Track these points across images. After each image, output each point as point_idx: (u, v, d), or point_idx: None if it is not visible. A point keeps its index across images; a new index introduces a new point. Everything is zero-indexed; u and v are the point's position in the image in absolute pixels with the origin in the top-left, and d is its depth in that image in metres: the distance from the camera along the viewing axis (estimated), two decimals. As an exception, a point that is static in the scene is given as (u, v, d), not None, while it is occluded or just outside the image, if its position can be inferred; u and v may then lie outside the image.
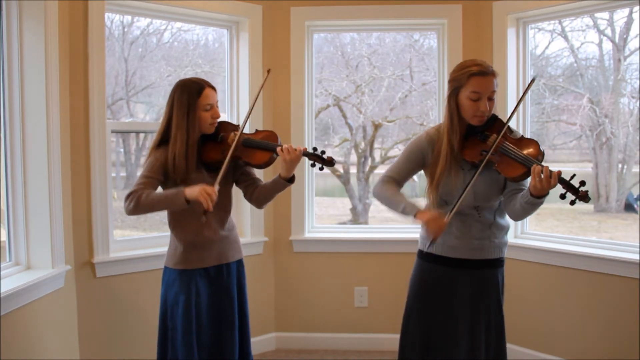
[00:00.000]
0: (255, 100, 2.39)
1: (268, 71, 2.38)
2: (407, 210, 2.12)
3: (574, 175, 1.89)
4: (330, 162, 2.24)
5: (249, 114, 2.39)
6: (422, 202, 2.25)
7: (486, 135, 2.11)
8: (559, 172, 1.88)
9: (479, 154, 2.09)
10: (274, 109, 3.65)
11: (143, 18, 3.51)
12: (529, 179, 2.03)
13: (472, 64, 2.09)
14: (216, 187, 2.13)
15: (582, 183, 1.85)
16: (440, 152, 2.15)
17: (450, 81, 2.15)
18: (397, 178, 2.25)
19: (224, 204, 2.35)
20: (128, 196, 2.18)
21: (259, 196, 2.38)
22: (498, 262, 2.25)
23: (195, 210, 2.17)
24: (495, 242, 2.21)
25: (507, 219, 2.27)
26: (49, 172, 2.65)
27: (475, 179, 2.05)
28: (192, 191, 2.10)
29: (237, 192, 2.46)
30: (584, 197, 1.84)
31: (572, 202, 1.88)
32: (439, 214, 2.05)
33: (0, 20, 2.57)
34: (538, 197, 1.94)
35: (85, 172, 2.93)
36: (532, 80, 2.24)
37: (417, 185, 4.28)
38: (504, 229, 2.25)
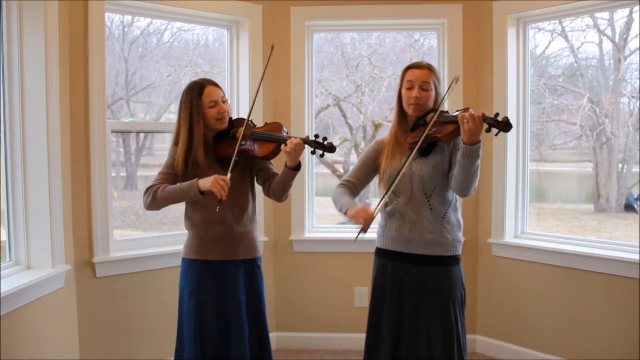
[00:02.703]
0: (260, 82, 2.42)
1: (272, 47, 2.40)
2: (342, 208, 2.29)
3: (498, 113, 2.07)
4: (330, 148, 2.28)
5: (254, 102, 2.43)
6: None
7: (425, 119, 2.27)
8: (482, 113, 2.05)
9: (419, 134, 2.24)
10: (274, 109, 3.65)
11: (143, 18, 3.50)
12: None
13: (410, 63, 2.36)
14: (228, 176, 2.20)
15: (505, 118, 2.02)
16: (385, 146, 2.35)
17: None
18: (353, 181, 2.42)
19: (239, 201, 2.39)
20: (146, 191, 2.28)
21: (274, 189, 2.42)
22: (453, 260, 2.30)
23: (209, 201, 2.25)
24: (449, 239, 2.28)
25: (460, 217, 2.35)
26: (49, 172, 2.65)
27: (415, 152, 2.20)
28: (205, 182, 2.17)
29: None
30: (506, 125, 2.00)
31: (497, 134, 2.07)
32: (365, 207, 2.21)
33: (0, 20, 2.57)
34: (471, 144, 2.05)
35: (85, 172, 2.93)
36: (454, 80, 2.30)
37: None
38: (456, 226, 2.32)
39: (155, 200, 2.25)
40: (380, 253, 2.40)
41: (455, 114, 2.20)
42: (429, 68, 2.30)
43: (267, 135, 2.36)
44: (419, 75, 2.28)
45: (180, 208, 2.55)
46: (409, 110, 2.30)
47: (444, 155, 2.28)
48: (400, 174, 2.21)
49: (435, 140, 2.24)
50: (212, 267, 2.35)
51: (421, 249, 2.27)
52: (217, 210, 2.23)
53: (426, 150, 2.27)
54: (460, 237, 2.34)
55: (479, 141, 2.06)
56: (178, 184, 2.29)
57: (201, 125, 2.32)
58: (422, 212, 2.27)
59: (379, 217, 2.39)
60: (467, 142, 2.06)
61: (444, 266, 2.28)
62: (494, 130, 2.05)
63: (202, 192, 2.20)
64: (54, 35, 2.66)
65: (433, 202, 2.26)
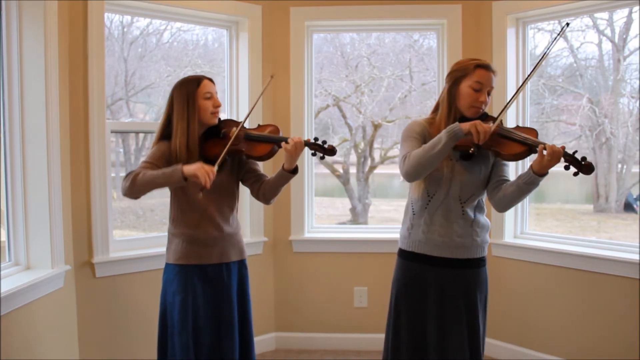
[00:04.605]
0: (255, 104, 2.42)
1: (271, 77, 2.38)
2: (448, 134, 2.02)
3: (576, 151, 1.99)
4: (331, 151, 2.26)
5: (250, 112, 2.41)
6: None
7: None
8: (563, 147, 1.97)
9: (472, 142, 2.08)
10: (274, 109, 3.65)
11: (142, 18, 3.51)
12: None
13: (478, 59, 2.20)
14: (215, 168, 2.13)
15: (584, 158, 1.97)
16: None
17: (453, 72, 2.21)
18: None
19: (228, 201, 2.37)
20: (126, 176, 2.17)
21: (265, 191, 2.39)
22: (481, 262, 2.27)
23: (191, 191, 2.21)
24: (478, 241, 2.23)
25: (486, 218, 2.30)
26: (49, 172, 2.65)
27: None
28: (190, 167, 2.10)
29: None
30: (589, 168, 1.95)
31: (576, 174, 2.00)
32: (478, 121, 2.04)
33: (0, 20, 2.57)
34: (540, 175, 2.01)
35: (85, 172, 2.93)
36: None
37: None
38: (485, 228, 2.27)
39: (135, 184, 2.13)
40: (406, 255, 2.30)
41: (515, 130, 2.11)
42: (494, 73, 2.18)
43: (264, 136, 2.33)
44: (489, 79, 2.15)
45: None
46: (470, 112, 2.16)
47: (487, 164, 2.21)
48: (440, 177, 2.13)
49: (490, 152, 2.15)
50: (204, 271, 2.32)
51: (450, 253, 2.21)
52: (200, 197, 2.15)
53: (470, 155, 2.14)
54: (487, 238, 2.29)
55: (548, 172, 2.01)
56: (160, 169, 2.19)
57: (197, 117, 2.26)
58: (453, 217, 2.20)
59: (403, 218, 2.34)
60: (538, 172, 2.00)
61: (471, 269, 2.23)
62: (572, 169, 1.98)
63: (185, 179, 2.11)
64: (53, 35, 2.66)
65: (465, 208, 2.20)
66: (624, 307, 3.00)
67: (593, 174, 4.15)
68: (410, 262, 2.29)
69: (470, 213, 2.22)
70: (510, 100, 2.18)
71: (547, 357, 3.31)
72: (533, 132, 2.13)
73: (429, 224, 2.23)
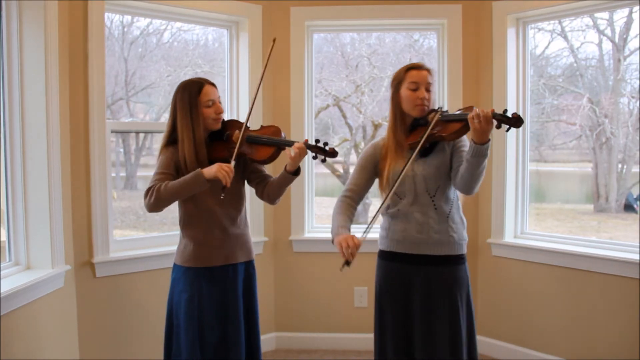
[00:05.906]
0: (262, 78, 2.37)
1: (274, 40, 2.36)
2: (332, 232, 2.30)
3: (506, 110, 2.06)
4: (332, 154, 2.28)
5: (253, 103, 2.41)
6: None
7: (427, 118, 2.25)
8: (492, 110, 2.03)
9: (420, 134, 2.22)
10: (274, 109, 3.65)
11: (143, 18, 3.51)
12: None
13: (408, 64, 2.33)
14: (232, 163, 2.19)
15: (514, 114, 2.02)
16: (387, 150, 2.31)
17: (391, 83, 2.33)
18: (355, 189, 2.40)
19: (234, 203, 2.38)
20: (147, 192, 2.20)
21: (270, 192, 2.40)
22: (459, 259, 2.29)
23: (212, 191, 2.24)
24: (455, 237, 2.27)
25: (462, 215, 2.34)
26: (49, 172, 2.65)
27: (416, 152, 2.17)
28: (210, 170, 2.16)
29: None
30: (517, 121, 2.01)
31: (508, 129, 2.13)
32: (351, 235, 2.18)
33: (0, 20, 2.57)
34: (481, 143, 2.04)
35: (85, 172, 2.93)
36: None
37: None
38: (460, 224, 2.31)
39: (160, 198, 2.17)
40: (385, 255, 2.37)
41: (458, 112, 2.19)
42: (428, 70, 2.28)
43: (266, 140, 2.34)
44: (422, 77, 2.25)
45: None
46: (415, 111, 2.25)
47: (445, 154, 2.26)
48: (401, 177, 2.18)
49: (438, 140, 2.22)
50: (211, 272, 2.33)
51: (428, 250, 2.25)
52: (222, 197, 2.20)
53: (427, 150, 2.25)
54: (465, 235, 2.32)
55: (489, 140, 2.05)
56: (180, 178, 2.22)
57: (201, 125, 2.29)
58: (427, 213, 2.25)
59: (381, 219, 2.38)
60: (478, 141, 2.04)
61: (450, 266, 2.26)
62: (505, 127, 2.04)
63: (207, 181, 2.16)
64: (53, 35, 2.66)
65: (437, 202, 2.25)
66: (624, 307, 3.00)
67: (593, 174, 4.17)
68: (390, 262, 2.34)
69: (444, 207, 2.26)
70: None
71: (547, 357, 3.31)
72: (470, 107, 2.17)
73: (405, 223, 2.28)
